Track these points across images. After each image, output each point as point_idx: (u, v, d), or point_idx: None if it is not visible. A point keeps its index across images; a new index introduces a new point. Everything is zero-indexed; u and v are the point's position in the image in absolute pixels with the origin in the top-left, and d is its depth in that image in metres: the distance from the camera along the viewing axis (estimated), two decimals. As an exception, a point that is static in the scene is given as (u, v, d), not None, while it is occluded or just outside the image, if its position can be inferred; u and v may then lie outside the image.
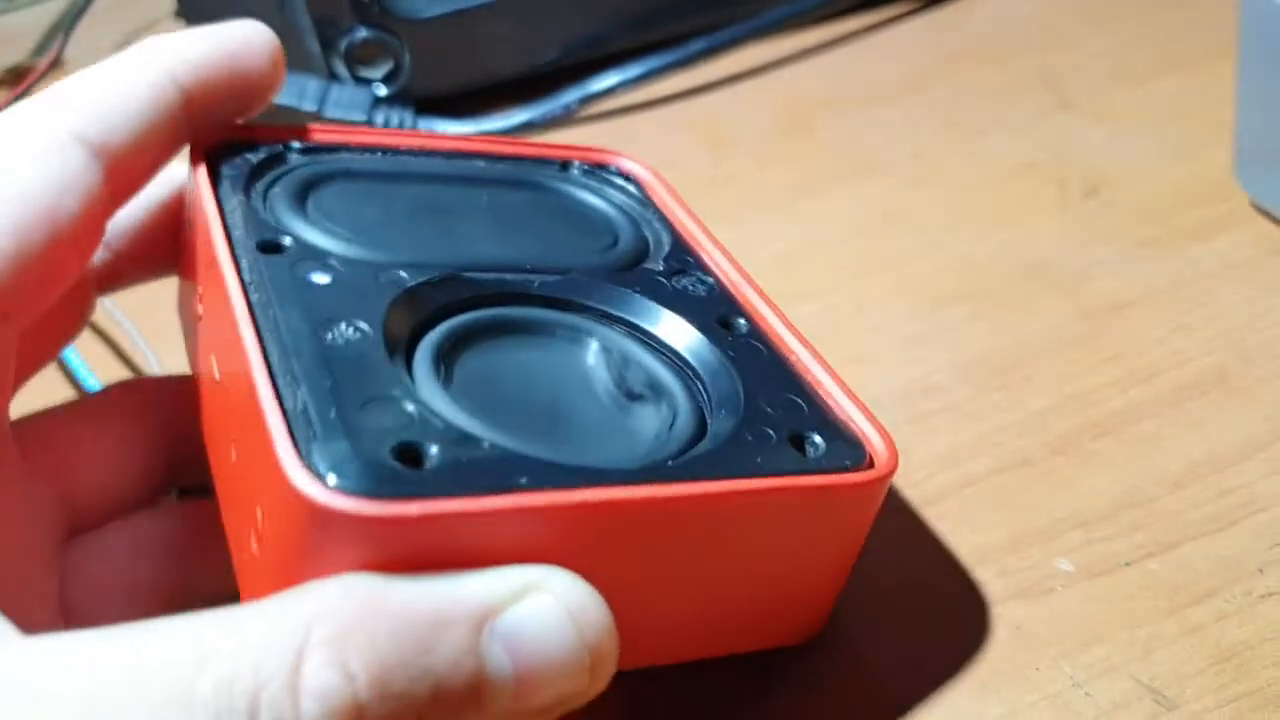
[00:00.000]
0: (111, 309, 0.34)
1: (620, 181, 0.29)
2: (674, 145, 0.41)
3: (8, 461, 0.22)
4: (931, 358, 0.30)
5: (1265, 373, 0.28)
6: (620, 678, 0.19)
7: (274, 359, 0.20)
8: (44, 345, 0.24)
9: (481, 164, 0.28)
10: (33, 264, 0.19)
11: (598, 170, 0.29)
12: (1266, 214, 0.33)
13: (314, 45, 0.42)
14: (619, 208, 0.28)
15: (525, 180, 0.28)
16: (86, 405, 0.25)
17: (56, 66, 0.53)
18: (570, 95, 0.43)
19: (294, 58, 0.42)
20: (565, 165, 0.29)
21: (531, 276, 0.24)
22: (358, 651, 0.16)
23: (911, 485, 0.27)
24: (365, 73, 0.43)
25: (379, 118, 0.42)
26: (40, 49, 0.54)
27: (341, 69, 0.42)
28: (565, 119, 0.43)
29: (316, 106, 0.41)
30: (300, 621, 0.16)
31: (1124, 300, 0.31)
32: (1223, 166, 0.34)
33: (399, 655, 0.16)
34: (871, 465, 0.21)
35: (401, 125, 0.42)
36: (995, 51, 0.43)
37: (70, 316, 0.24)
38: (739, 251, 0.35)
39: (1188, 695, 0.22)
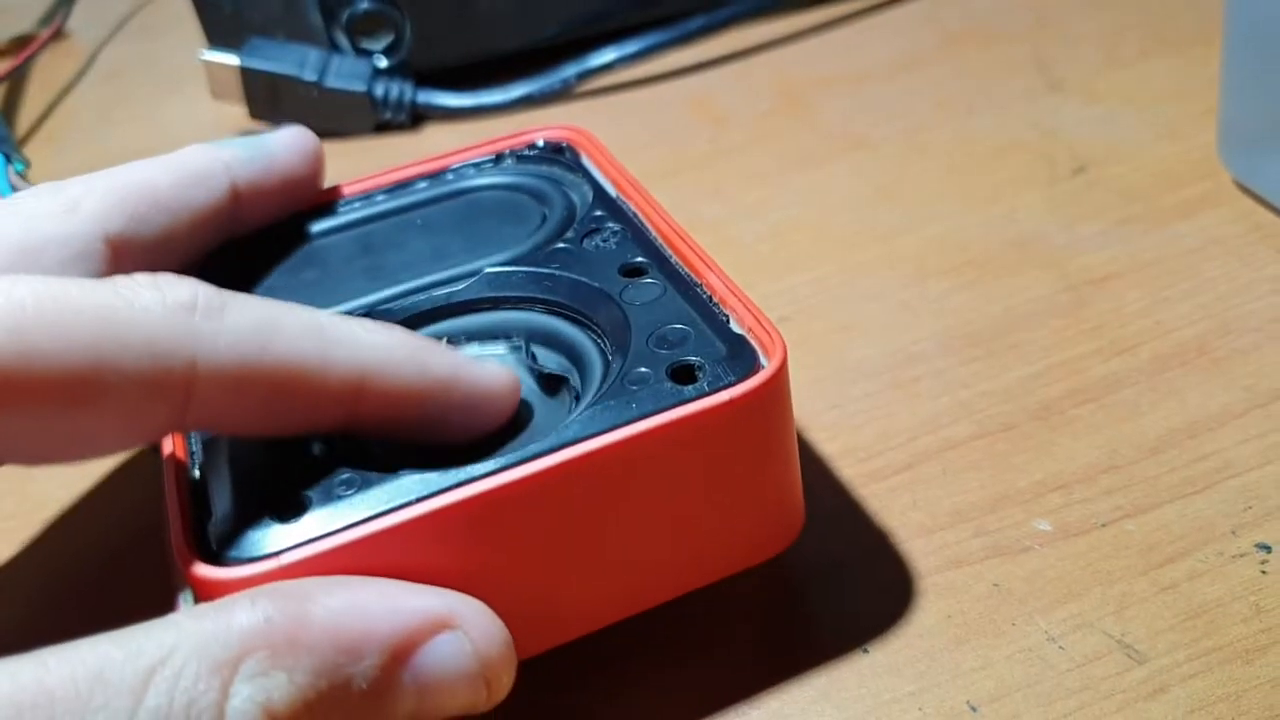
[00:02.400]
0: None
1: (553, 155, 0.29)
2: (670, 121, 0.42)
3: None
4: (918, 326, 0.31)
5: (1244, 344, 0.29)
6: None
7: (194, 447, 0.22)
8: None
9: (424, 184, 0.29)
10: None
11: (529, 150, 0.29)
12: (1249, 193, 0.34)
13: (315, 16, 0.42)
14: (549, 179, 0.28)
15: (460, 189, 0.28)
16: None
17: (59, 37, 0.53)
18: (569, 70, 0.43)
19: (295, 28, 0.43)
20: (499, 158, 0.29)
21: (446, 289, 0.25)
22: (280, 690, 0.17)
23: (894, 448, 0.27)
24: (366, 44, 0.43)
25: (379, 89, 0.42)
26: (45, 20, 0.54)
27: (343, 40, 0.43)
28: (564, 93, 0.43)
29: (317, 77, 0.42)
30: (226, 655, 0.17)
31: (1108, 273, 0.32)
32: (1207, 147, 0.35)
33: (316, 688, 0.17)
34: (756, 374, 0.21)
35: (402, 97, 0.42)
36: (989, 34, 0.44)
37: None
38: (733, 223, 0.36)
39: (1159, 650, 0.23)
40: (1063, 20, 0.44)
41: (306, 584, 0.18)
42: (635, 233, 0.25)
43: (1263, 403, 0.27)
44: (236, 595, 0.18)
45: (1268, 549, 0.24)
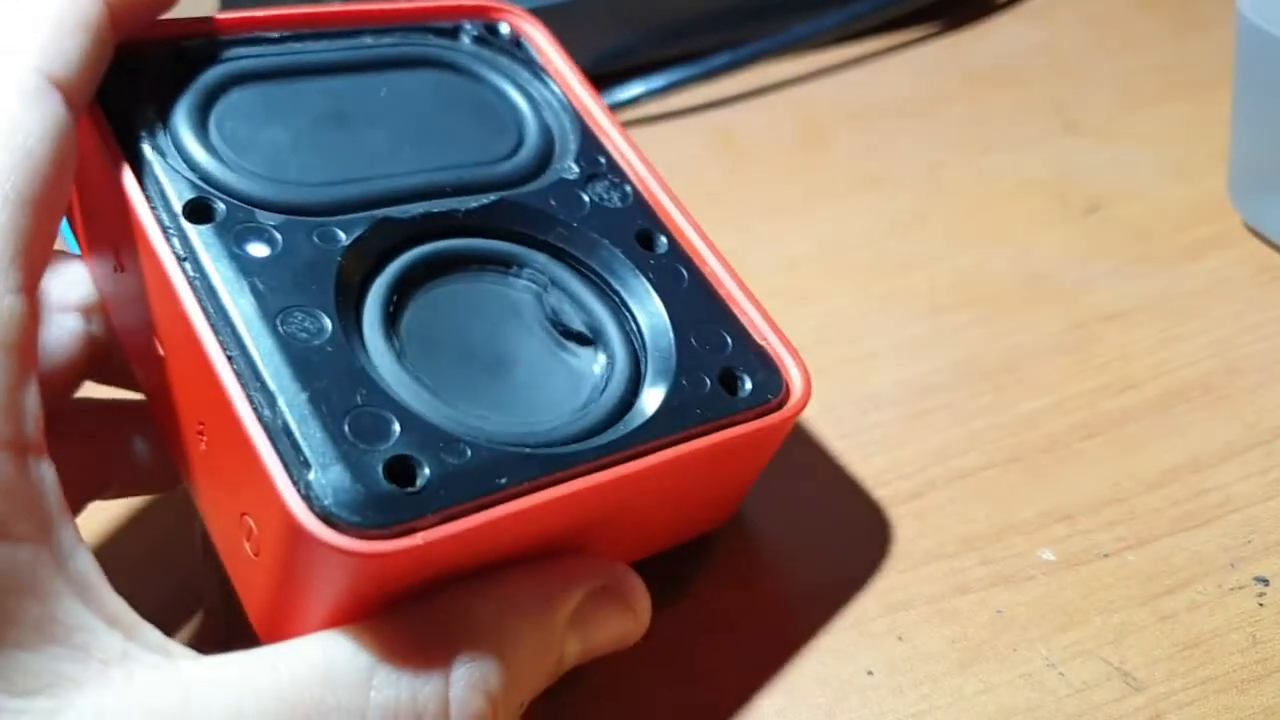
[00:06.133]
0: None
1: (510, 47, 0.28)
2: (693, 153, 0.43)
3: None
4: (932, 359, 0.32)
5: (1249, 383, 0.30)
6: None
7: (230, 352, 0.20)
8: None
9: (369, 39, 0.27)
10: (44, 222, 0.20)
11: (487, 34, 0.28)
12: (1258, 235, 0.34)
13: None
14: (518, 86, 0.27)
15: (418, 58, 0.27)
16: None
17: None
18: (596, 102, 0.44)
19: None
20: (455, 31, 0.28)
21: (455, 202, 0.24)
22: (493, 673, 0.20)
23: (903, 477, 0.28)
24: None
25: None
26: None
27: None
28: (590, 125, 0.44)
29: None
30: (439, 651, 0.20)
31: (1118, 311, 0.32)
32: (1218, 189, 0.36)
33: (515, 676, 0.20)
34: (790, 394, 0.24)
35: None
36: (1008, 76, 0.45)
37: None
38: (750, 253, 0.37)
39: (1156, 678, 0.23)
40: (1080, 64, 0.45)
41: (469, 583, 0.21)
42: (639, 197, 0.26)
43: (1265, 440, 0.28)
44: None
45: (1265, 582, 0.25)
